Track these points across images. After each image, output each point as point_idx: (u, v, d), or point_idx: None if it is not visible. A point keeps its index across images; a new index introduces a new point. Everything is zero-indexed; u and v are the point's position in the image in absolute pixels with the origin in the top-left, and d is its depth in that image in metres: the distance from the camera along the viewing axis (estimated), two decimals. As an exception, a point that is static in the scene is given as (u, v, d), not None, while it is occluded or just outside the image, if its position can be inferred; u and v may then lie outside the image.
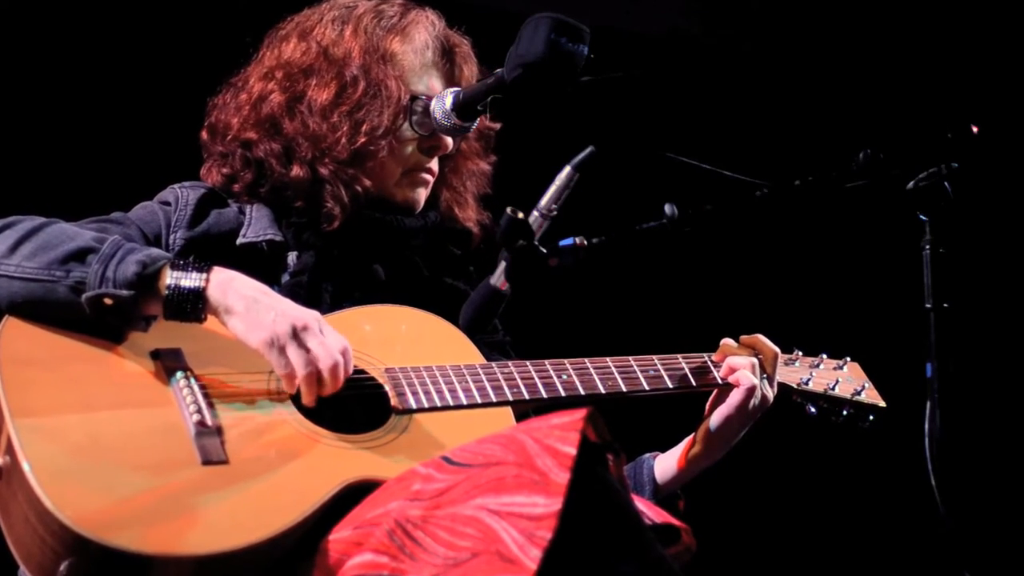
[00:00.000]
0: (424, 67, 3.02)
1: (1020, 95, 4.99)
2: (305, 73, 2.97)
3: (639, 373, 2.91)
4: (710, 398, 3.02)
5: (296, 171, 2.93)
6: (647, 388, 2.90)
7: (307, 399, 2.54)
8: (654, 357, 2.95)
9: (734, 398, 2.96)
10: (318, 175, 2.93)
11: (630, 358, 2.93)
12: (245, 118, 2.98)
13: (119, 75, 4.32)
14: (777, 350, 3.02)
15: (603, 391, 2.85)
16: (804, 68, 5.04)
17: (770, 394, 3.01)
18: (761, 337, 3.03)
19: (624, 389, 2.88)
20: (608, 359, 2.90)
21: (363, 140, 2.93)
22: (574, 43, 2.59)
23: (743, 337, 3.04)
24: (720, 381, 2.98)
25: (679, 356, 2.98)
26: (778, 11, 5.13)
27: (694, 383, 2.97)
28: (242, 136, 2.97)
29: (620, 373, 2.89)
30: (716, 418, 2.98)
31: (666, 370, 2.94)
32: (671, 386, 2.93)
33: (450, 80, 3.05)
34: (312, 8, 3.08)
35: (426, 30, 3.03)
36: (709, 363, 2.99)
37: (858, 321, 4.91)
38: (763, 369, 3.00)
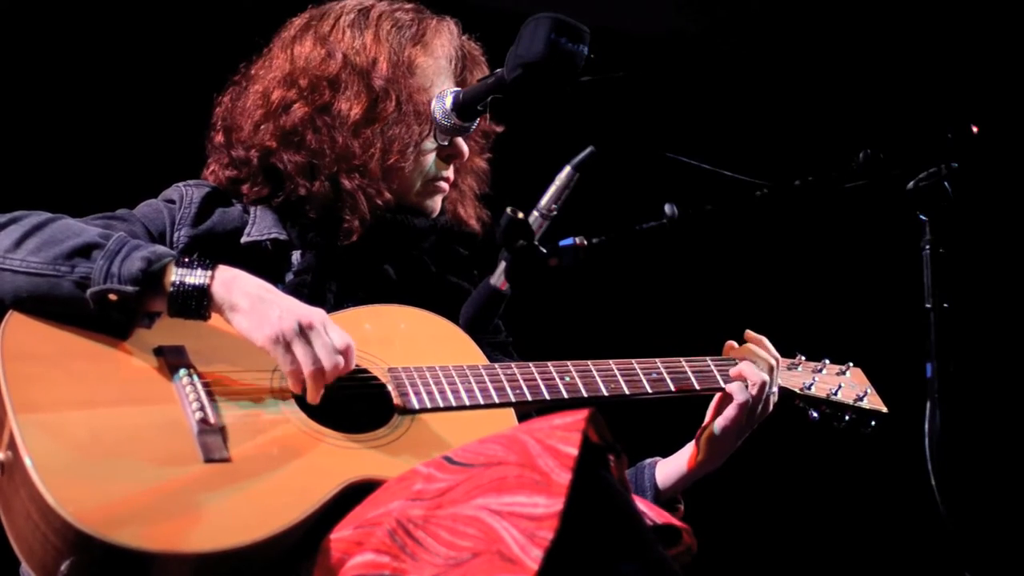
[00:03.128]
0: (442, 78, 3.00)
1: (1020, 95, 4.99)
2: (331, 84, 2.92)
3: (642, 375, 2.91)
4: (712, 403, 3.01)
5: (318, 186, 2.90)
6: (649, 391, 2.90)
7: (312, 397, 2.54)
8: (657, 360, 2.95)
9: (736, 404, 2.95)
10: (340, 188, 2.90)
11: (633, 360, 2.93)
12: (262, 125, 2.94)
13: (123, 73, 4.32)
14: (779, 357, 3.02)
15: (605, 393, 2.85)
16: (804, 68, 5.04)
17: (771, 401, 3.00)
18: (766, 342, 3.03)
19: (626, 391, 2.88)
20: (611, 361, 2.90)
21: (396, 158, 2.91)
22: (574, 43, 2.59)
23: (749, 335, 3.03)
24: (723, 386, 2.98)
25: (682, 359, 2.98)
26: (778, 11, 5.13)
27: (697, 387, 2.96)
28: (261, 143, 2.93)
29: (623, 375, 2.89)
30: (718, 424, 2.97)
31: (669, 373, 2.93)
32: (673, 389, 2.93)
33: (460, 84, 3.02)
34: (320, 8, 3.03)
35: (449, 42, 3.01)
36: (712, 367, 2.99)
37: (858, 321, 4.91)
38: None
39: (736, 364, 2.98)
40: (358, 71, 2.93)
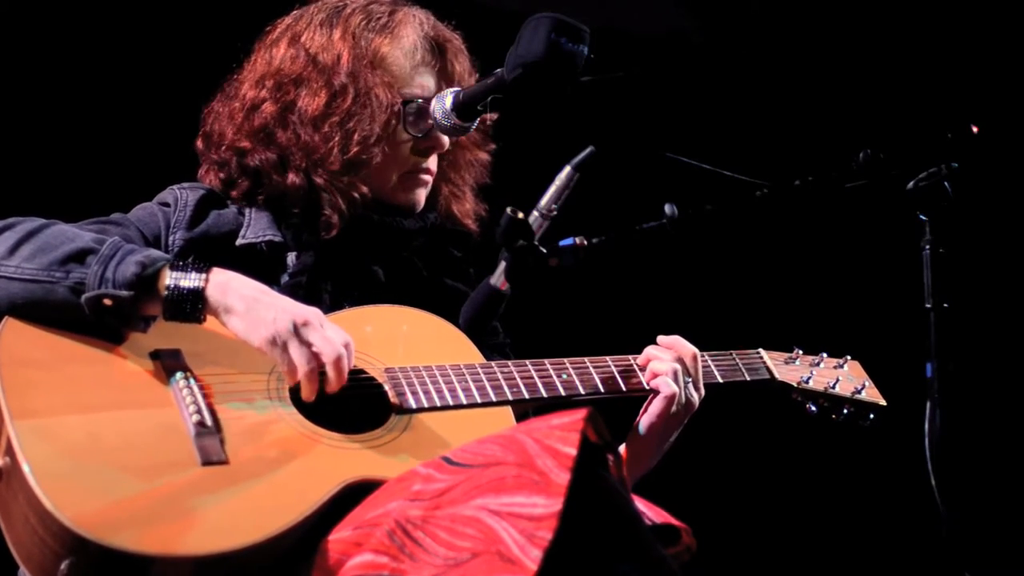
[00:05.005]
0: (415, 68, 2.99)
1: (1020, 95, 4.99)
2: (295, 82, 2.95)
3: (639, 372, 2.91)
4: (645, 403, 2.94)
5: (292, 179, 2.92)
6: (647, 387, 2.90)
7: (306, 394, 2.54)
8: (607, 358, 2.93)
9: (656, 406, 2.90)
10: (314, 184, 2.92)
11: (630, 357, 2.93)
12: (239, 127, 2.97)
13: (118, 76, 4.31)
14: (695, 351, 2.96)
15: (603, 390, 2.85)
16: (804, 68, 5.04)
17: (695, 398, 2.94)
18: (679, 339, 2.97)
19: (623, 388, 2.88)
20: (608, 358, 2.90)
21: (356, 150, 2.91)
22: (574, 43, 2.59)
23: (661, 339, 2.97)
24: (647, 387, 2.93)
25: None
26: (778, 11, 5.13)
27: (623, 387, 2.90)
28: (236, 145, 2.96)
29: (619, 372, 2.89)
30: (642, 426, 2.92)
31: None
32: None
33: (442, 75, 3.02)
34: (301, 9, 3.05)
35: (415, 31, 3.00)
36: (635, 366, 2.93)
37: (858, 321, 4.90)
38: (686, 372, 2.94)
39: (654, 365, 2.94)
40: (320, 67, 2.95)
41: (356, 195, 2.93)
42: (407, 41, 2.99)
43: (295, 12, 3.06)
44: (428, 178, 3.03)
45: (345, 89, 2.92)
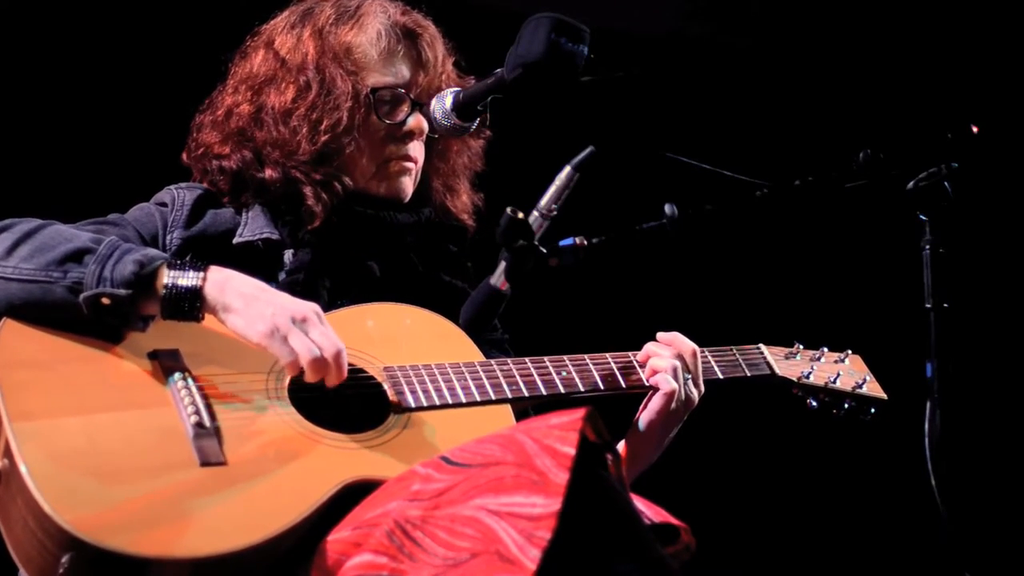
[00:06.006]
0: (384, 57, 3.00)
1: (1020, 95, 4.99)
2: (266, 83, 2.99)
3: (638, 368, 2.91)
4: (645, 400, 2.94)
5: (269, 173, 2.94)
6: (647, 383, 2.89)
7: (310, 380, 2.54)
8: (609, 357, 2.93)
9: (656, 403, 2.90)
10: (290, 176, 2.94)
11: (629, 353, 2.93)
12: (219, 134, 3.00)
13: (117, 77, 4.32)
14: (695, 347, 2.96)
15: (602, 387, 2.85)
16: (804, 68, 5.04)
17: (695, 394, 2.94)
18: (679, 335, 2.97)
19: (623, 384, 2.88)
20: (607, 355, 2.90)
21: (325, 139, 2.93)
22: (574, 43, 2.59)
23: (660, 335, 2.97)
24: (646, 383, 2.93)
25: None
26: (778, 11, 5.13)
27: (622, 384, 2.91)
28: (217, 151, 2.99)
29: (619, 368, 2.89)
30: (641, 422, 2.92)
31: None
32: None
33: (417, 63, 3.02)
34: (277, 15, 3.07)
35: (380, 20, 3.01)
36: (635, 363, 2.95)
37: (858, 321, 4.90)
38: (685, 368, 2.94)
39: (653, 362, 2.93)
40: (288, 66, 2.98)
41: (337, 185, 2.94)
42: (372, 30, 2.99)
43: (272, 19, 3.08)
44: (411, 166, 3.03)
45: (309, 83, 2.95)
